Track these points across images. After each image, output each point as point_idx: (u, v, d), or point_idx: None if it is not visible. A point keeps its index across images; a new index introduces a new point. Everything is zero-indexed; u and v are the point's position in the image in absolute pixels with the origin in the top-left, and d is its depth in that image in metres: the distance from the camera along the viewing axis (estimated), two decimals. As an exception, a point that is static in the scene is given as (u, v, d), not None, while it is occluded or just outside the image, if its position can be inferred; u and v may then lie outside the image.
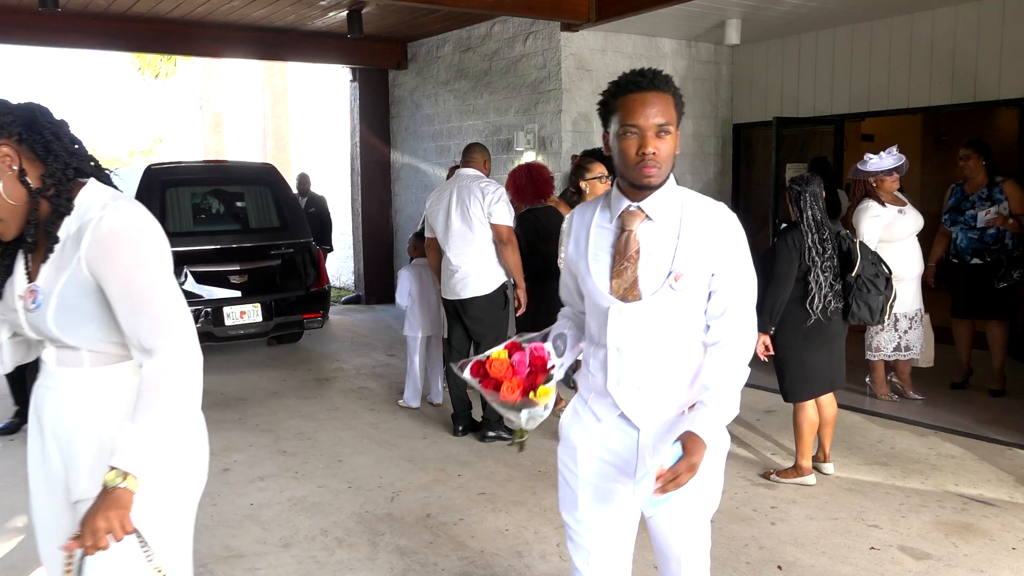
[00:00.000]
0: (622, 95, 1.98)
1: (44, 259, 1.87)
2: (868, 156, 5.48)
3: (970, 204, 5.86)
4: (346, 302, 11.06)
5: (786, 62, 8.56)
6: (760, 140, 8.86)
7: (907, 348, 5.62)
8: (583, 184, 5.01)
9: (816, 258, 4.20)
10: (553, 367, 2.14)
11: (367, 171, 10.86)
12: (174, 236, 7.26)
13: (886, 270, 4.35)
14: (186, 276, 6.86)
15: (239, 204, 7.68)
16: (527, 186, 5.48)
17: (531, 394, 2.07)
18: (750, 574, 3.43)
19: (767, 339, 4.28)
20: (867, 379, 5.91)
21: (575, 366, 2.31)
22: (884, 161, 5.41)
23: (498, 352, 2.12)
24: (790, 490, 4.32)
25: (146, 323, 1.82)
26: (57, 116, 1.92)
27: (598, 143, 5.54)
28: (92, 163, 1.96)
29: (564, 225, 2.27)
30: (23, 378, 4.94)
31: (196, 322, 6.63)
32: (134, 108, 27.65)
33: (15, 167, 1.83)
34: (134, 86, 23.00)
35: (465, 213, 5.07)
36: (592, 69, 8.02)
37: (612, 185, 2.13)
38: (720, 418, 2.00)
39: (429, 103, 10.00)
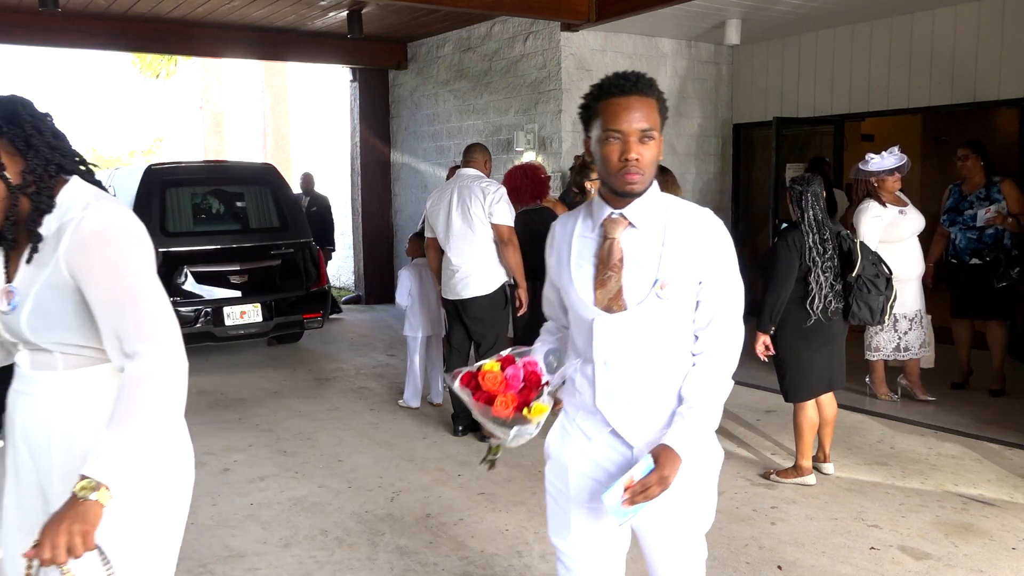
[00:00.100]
0: (605, 99, 1.90)
1: (28, 259, 1.78)
2: (870, 156, 5.47)
3: (968, 204, 5.86)
4: (346, 302, 11.06)
5: (786, 62, 8.56)
6: (760, 140, 8.86)
7: (906, 349, 5.62)
8: (588, 184, 5.01)
9: (817, 258, 4.20)
10: (547, 383, 2.05)
11: (367, 171, 10.86)
12: (174, 236, 7.37)
13: (886, 270, 4.35)
14: (186, 276, 6.87)
15: (239, 204, 7.69)
16: (522, 187, 5.48)
17: (525, 410, 1.98)
18: (750, 574, 3.43)
19: (767, 339, 4.29)
20: (867, 379, 5.91)
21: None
22: (886, 161, 5.41)
23: (490, 364, 2.03)
24: (790, 490, 4.32)
25: (129, 327, 1.73)
26: (41, 110, 1.84)
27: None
28: (76, 159, 1.87)
29: (548, 237, 2.18)
30: (6, 381, 4.91)
31: (196, 322, 6.81)
32: (134, 108, 27.71)
33: None
34: (134, 86, 23.05)
35: (466, 213, 5.07)
36: (592, 69, 8.02)
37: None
38: (698, 431, 1.92)
39: (429, 103, 10.00)
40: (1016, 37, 6.74)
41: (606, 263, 1.96)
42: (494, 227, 5.05)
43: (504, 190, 5.15)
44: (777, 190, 8.08)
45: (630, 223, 1.96)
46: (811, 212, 4.25)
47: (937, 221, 6.12)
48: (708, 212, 2.01)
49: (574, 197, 5.45)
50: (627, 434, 1.99)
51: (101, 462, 1.65)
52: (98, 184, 1.89)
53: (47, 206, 1.77)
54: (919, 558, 3.55)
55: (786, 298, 4.24)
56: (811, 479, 4.38)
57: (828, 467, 4.53)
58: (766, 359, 4.35)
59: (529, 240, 5.34)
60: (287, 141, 15.93)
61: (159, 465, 1.84)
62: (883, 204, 5.40)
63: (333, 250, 10.32)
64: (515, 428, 2.00)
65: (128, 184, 7.37)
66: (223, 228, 7.48)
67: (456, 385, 2.06)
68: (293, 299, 7.37)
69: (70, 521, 1.61)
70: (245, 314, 7.03)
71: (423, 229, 5.59)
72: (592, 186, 4.96)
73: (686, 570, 2.12)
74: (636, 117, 1.87)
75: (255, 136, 16.69)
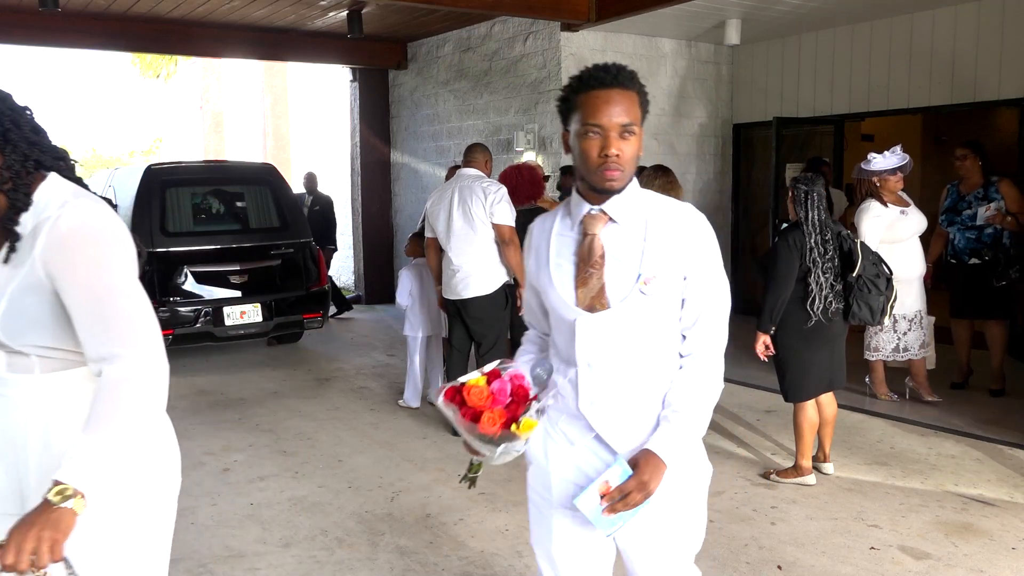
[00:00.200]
0: (584, 91, 1.80)
1: (5, 259, 1.70)
2: (872, 155, 5.47)
3: (966, 204, 5.86)
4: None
5: (786, 62, 8.56)
6: (760, 140, 8.87)
7: (905, 349, 5.61)
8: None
9: (817, 259, 4.20)
10: (535, 397, 1.93)
11: (367, 171, 10.87)
12: (174, 236, 7.37)
13: (887, 270, 4.35)
14: (186, 276, 6.87)
15: (239, 204, 7.69)
16: (518, 187, 5.47)
17: (513, 426, 1.86)
18: (750, 574, 3.43)
19: (767, 339, 4.29)
20: (867, 379, 5.91)
21: None
22: (888, 160, 5.41)
23: (475, 379, 1.93)
24: (790, 490, 4.32)
25: (108, 329, 1.66)
26: (20, 103, 1.75)
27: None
28: (55, 156, 1.78)
29: (526, 238, 2.09)
30: None
31: (196, 322, 6.81)
32: (134, 108, 27.71)
33: None
34: (134, 86, 23.05)
35: (467, 213, 5.07)
36: (592, 69, 8.02)
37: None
38: (684, 436, 1.84)
39: (429, 103, 10.01)
40: (1016, 37, 6.75)
41: (587, 260, 1.88)
42: (495, 227, 5.05)
43: (505, 190, 5.15)
44: (777, 190, 8.08)
45: (610, 219, 1.88)
46: (815, 212, 4.25)
47: (937, 221, 6.12)
48: (690, 207, 1.93)
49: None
50: (611, 439, 1.90)
51: (76, 468, 1.57)
52: (79, 181, 1.82)
53: (24, 203, 1.69)
54: (919, 558, 3.55)
55: (786, 298, 4.24)
56: (811, 479, 4.38)
57: (828, 467, 4.53)
58: (766, 359, 4.35)
59: (524, 241, 5.34)
60: (287, 141, 15.94)
61: (139, 471, 1.77)
62: (884, 204, 5.40)
63: (335, 250, 10.34)
64: (503, 445, 1.87)
65: (128, 184, 7.37)
66: (223, 228, 7.49)
67: (440, 401, 1.94)
68: (293, 299, 7.37)
69: (40, 527, 1.53)
70: (245, 314, 7.04)
71: (423, 229, 5.59)
72: None
73: None
74: (617, 111, 1.78)
75: (255, 136, 16.70)
